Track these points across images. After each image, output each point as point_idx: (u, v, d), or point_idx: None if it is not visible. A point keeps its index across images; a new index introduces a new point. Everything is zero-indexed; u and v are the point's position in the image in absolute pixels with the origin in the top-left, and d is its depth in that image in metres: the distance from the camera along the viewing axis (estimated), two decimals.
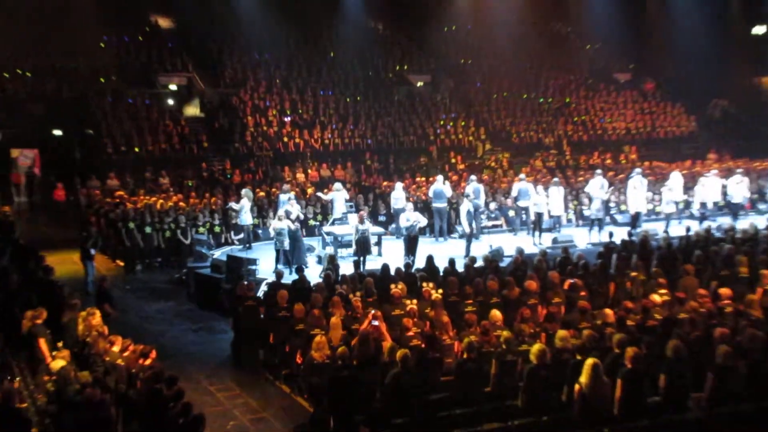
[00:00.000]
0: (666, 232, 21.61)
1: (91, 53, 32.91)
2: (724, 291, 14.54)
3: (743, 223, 22.16)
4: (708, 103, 37.89)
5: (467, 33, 38.79)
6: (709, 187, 24.92)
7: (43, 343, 12.43)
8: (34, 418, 10.39)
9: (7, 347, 12.75)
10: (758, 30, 38.61)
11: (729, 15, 37.27)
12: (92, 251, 20.37)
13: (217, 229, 23.42)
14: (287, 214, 19.97)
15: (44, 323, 12.81)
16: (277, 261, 19.26)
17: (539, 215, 22.79)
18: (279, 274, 16.41)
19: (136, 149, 29.46)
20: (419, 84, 36.47)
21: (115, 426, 9.71)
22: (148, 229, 22.76)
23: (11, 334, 13.02)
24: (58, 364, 11.01)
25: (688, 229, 20.82)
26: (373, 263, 18.94)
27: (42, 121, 29.58)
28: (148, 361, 11.55)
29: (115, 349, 12.26)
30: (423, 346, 12.28)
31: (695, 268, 16.64)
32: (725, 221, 22.95)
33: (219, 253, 21.19)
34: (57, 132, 29.77)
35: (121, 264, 22.65)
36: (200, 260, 20.86)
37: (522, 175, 25.34)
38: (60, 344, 12.32)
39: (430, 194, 23.29)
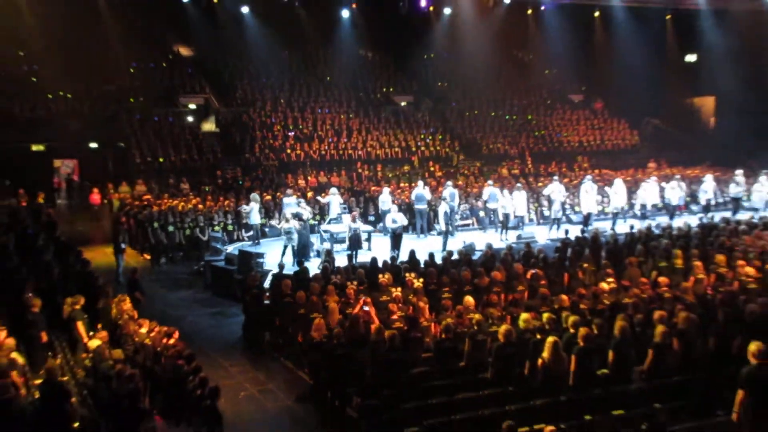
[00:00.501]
0: (613, 229, 21.68)
1: (122, 78, 32.86)
2: (662, 279, 14.64)
3: (678, 222, 22.28)
4: (641, 122, 37.99)
5: (444, 60, 38.74)
6: (649, 191, 25.05)
7: (80, 326, 12.46)
8: (73, 389, 10.40)
9: (50, 329, 12.75)
10: (690, 58, 38.79)
11: (666, 44, 37.39)
12: (123, 246, 20.37)
13: (230, 227, 23.41)
14: (299, 216, 19.99)
15: (82, 308, 12.84)
16: (283, 255, 19.26)
17: (506, 215, 22.89)
18: (281, 266, 16.44)
19: (161, 159, 29.41)
20: (403, 103, 36.45)
21: (143, 396, 9.73)
22: (170, 228, 22.73)
23: (54, 318, 13.03)
24: (94, 343, 11.04)
25: (631, 227, 20.94)
26: (363, 257, 18.96)
27: (80, 135, 29.50)
28: (171, 341, 11.60)
29: (143, 330, 12.30)
30: (406, 327, 12.36)
31: (638, 260, 16.75)
32: (663, 220, 23.07)
33: (231, 248, 21.16)
34: (93, 145, 29.70)
35: (148, 257, 22.61)
36: (216, 254, 20.83)
37: (490, 181, 25.43)
38: (99, 326, 12.34)
39: (413, 197, 23.33)
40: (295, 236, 19.44)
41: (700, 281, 15.09)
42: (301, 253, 19.15)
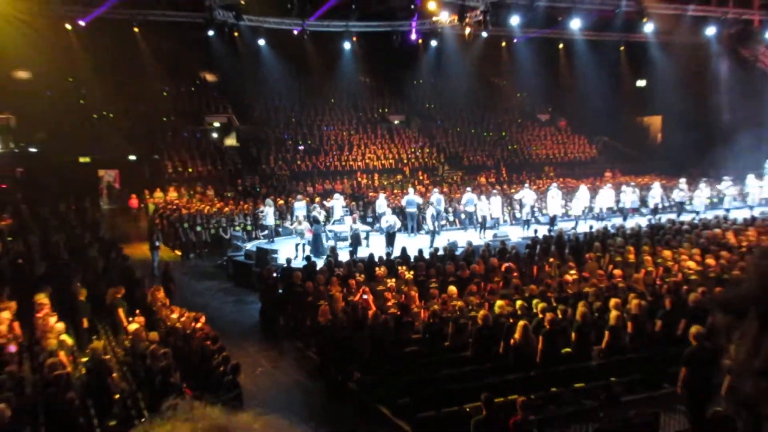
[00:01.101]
0: (575, 229, 21.74)
1: (156, 100, 32.86)
2: (617, 272, 14.69)
3: (630, 223, 22.33)
4: (612, 136, 37.98)
5: (431, 85, 38.79)
6: (606, 197, 25.06)
7: (121, 312, 12.47)
8: (114, 366, 10.39)
9: (94, 315, 12.74)
10: (640, 83, 38.86)
11: (620, 71, 37.43)
12: (157, 243, 20.34)
13: (248, 227, 23.41)
14: (315, 218, 19.97)
15: (122, 297, 12.84)
16: (298, 252, 19.19)
17: (483, 217, 22.89)
18: (288, 261, 16.45)
19: (189, 169, 29.40)
20: (396, 122, 36.45)
21: (174, 372, 9.72)
22: (198, 228, 22.75)
23: (98, 305, 13.02)
24: (132, 326, 11.04)
25: (591, 227, 20.99)
26: (363, 252, 18.96)
27: (121, 149, 29.50)
28: (198, 325, 11.58)
29: (174, 315, 12.29)
30: (399, 313, 12.35)
31: (596, 255, 16.78)
32: (617, 221, 23.07)
33: (250, 245, 21.13)
34: (132, 157, 29.68)
35: (179, 253, 22.59)
36: (236, 251, 20.83)
37: (470, 188, 25.42)
38: (137, 312, 12.35)
39: (404, 202, 23.30)
40: (307, 235, 19.44)
41: (650, 273, 15.10)
42: (316, 249, 19.08)
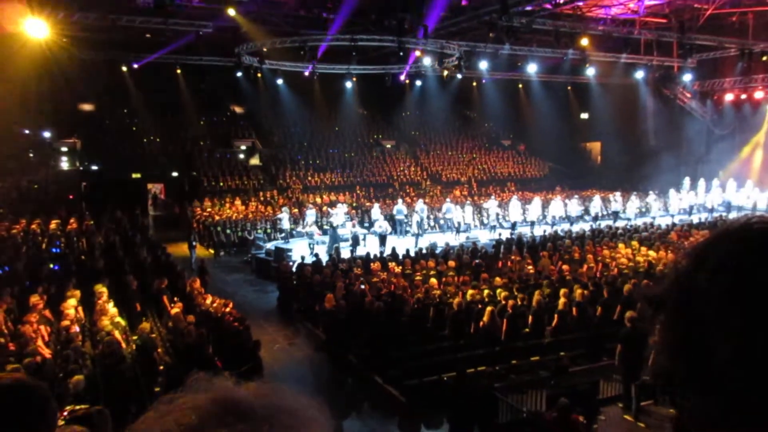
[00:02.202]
0: (531, 232, 21.78)
1: (194, 127, 32.79)
2: (565, 267, 14.70)
3: (576, 228, 22.41)
4: (561, 158, 37.86)
5: (416, 116, 38.75)
6: (556, 207, 25.10)
7: (165, 299, 12.38)
8: (159, 343, 10.32)
9: (143, 301, 12.67)
10: (584, 115, 38.95)
11: (568, 106, 37.54)
12: (194, 243, 20.26)
13: (268, 231, 23.28)
14: (331, 223, 19.96)
15: (166, 287, 12.75)
16: (313, 250, 19.04)
17: (458, 223, 22.91)
18: (302, 257, 16.42)
19: (221, 184, 29.28)
20: (388, 146, 36.40)
21: (208, 348, 9.65)
22: (228, 231, 22.66)
23: (146, 293, 12.95)
24: (174, 311, 10.96)
25: (544, 231, 21.02)
26: (361, 251, 18.93)
27: (166, 167, 29.43)
28: (227, 309, 11.52)
29: (208, 302, 12.22)
30: (390, 300, 12.32)
31: (548, 254, 16.80)
32: (566, 226, 23.11)
33: (270, 245, 21.06)
34: (174, 174, 29.56)
35: (212, 252, 22.48)
36: (259, 249, 20.76)
37: (448, 199, 25.39)
38: (177, 299, 12.28)
39: (394, 211, 23.30)
40: (316, 237, 19.42)
41: (591, 268, 15.14)
42: (333, 248, 18.76)
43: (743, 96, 30.05)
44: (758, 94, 29.15)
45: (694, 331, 0.74)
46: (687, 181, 27.50)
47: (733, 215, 24.51)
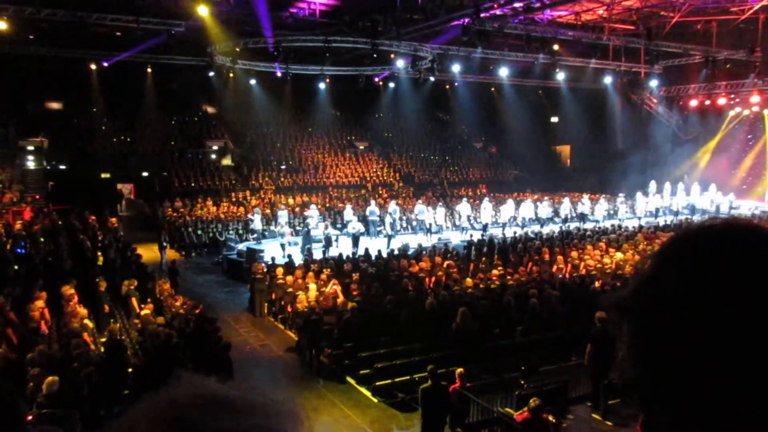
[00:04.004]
0: (503, 234, 21.96)
1: (166, 127, 32.35)
2: (536, 268, 14.90)
3: (546, 229, 22.68)
4: (532, 161, 38.18)
5: (389, 118, 38.75)
6: (527, 208, 25.36)
7: (134, 301, 12.18)
8: (128, 345, 10.15)
9: (112, 303, 12.45)
10: (554, 119, 39.47)
11: (539, 109, 38.03)
12: (165, 244, 19.97)
13: (240, 231, 23.11)
14: (307, 223, 19.88)
15: (135, 288, 12.55)
16: (283, 251, 18.98)
17: (430, 224, 23.00)
18: (273, 258, 16.32)
19: (192, 184, 28.89)
20: (361, 147, 36.36)
21: (178, 349, 9.52)
22: (199, 232, 22.46)
23: (115, 295, 12.73)
24: (143, 312, 10.81)
25: (515, 233, 21.21)
26: (333, 252, 18.88)
27: (136, 167, 28.98)
28: (197, 311, 11.39)
29: (178, 303, 12.09)
30: (362, 301, 12.32)
31: (518, 255, 16.98)
32: (536, 228, 23.38)
33: (241, 246, 20.89)
34: (145, 174, 29.11)
35: (182, 253, 22.18)
36: (230, 250, 20.56)
37: (420, 201, 25.49)
38: (148, 300, 12.07)
39: (367, 212, 23.28)
40: (288, 237, 19.29)
41: (561, 269, 15.34)
42: (306, 248, 18.61)
43: (707, 102, 30.82)
44: (721, 101, 29.92)
45: (656, 339, 0.75)
46: (653, 184, 28.08)
47: (697, 218, 25.12)
